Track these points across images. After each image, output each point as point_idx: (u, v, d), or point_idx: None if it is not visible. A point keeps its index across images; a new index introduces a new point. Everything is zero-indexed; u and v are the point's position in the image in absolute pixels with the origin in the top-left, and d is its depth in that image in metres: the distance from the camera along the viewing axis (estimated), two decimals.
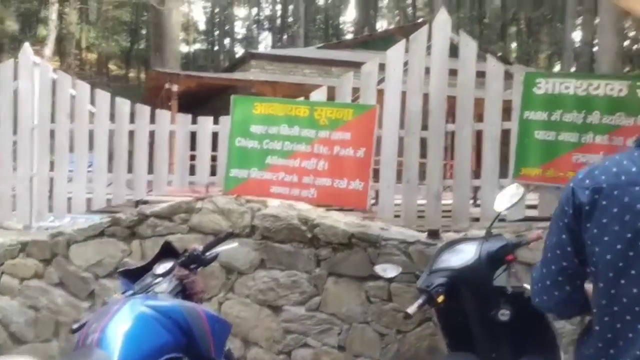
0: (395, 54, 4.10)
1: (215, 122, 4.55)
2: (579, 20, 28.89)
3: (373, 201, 4.42)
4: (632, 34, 27.77)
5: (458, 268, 2.52)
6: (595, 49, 27.01)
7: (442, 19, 3.95)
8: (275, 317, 4.04)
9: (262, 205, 4.22)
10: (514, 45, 37.01)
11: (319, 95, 4.27)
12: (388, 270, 2.82)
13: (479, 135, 4.02)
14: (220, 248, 2.67)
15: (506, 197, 2.88)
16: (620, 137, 3.38)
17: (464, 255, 2.61)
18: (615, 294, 1.31)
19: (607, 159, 1.40)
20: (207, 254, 2.61)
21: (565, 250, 1.41)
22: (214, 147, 4.51)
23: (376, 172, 4.14)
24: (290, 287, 4.06)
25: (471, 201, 4.71)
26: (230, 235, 2.72)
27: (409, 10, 40.70)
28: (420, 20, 27.96)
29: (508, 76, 4.14)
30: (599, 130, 3.44)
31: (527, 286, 2.71)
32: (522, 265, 3.56)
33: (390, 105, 4.09)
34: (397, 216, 4.11)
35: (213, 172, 4.53)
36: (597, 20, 25.10)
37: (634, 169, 1.31)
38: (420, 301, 2.37)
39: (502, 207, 2.86)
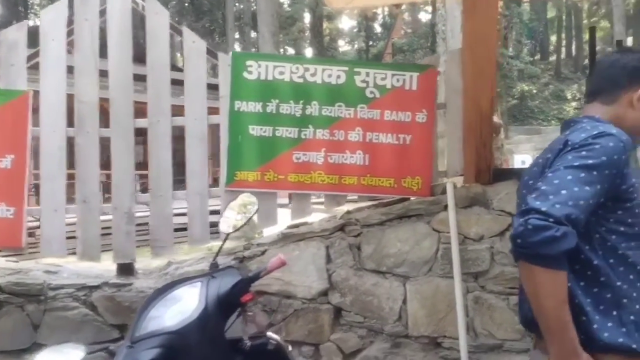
0: (53, 18, 2.85)
1: None
2: (237, 35, 30.99)
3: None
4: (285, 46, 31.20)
5: (176, 329, 1.75)
6: None
7: None
8: None
9: None
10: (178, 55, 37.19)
11: None
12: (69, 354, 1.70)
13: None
14: None
15: (234, 213, 2.12)
16: (341, 130, 2.97)
17: (184, 305, 1.84)
18: None
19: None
20: None
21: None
22: None
23: (36, 190, 2.84)
24: None
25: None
26: None
27: None
28: None
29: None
30: (319, 123, 2.97)
31: (271, 334, 2.03)
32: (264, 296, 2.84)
33: (50, 92, 2.84)
34: (72, 252, 2.88)
35: None
36: (253, 34, 27.44)
37: None
38: None
39: (231, 226, 2.10)
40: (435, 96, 3.01)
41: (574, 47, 34.58)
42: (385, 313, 2.88)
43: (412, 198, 2.97)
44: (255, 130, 2.94)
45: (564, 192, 1.24)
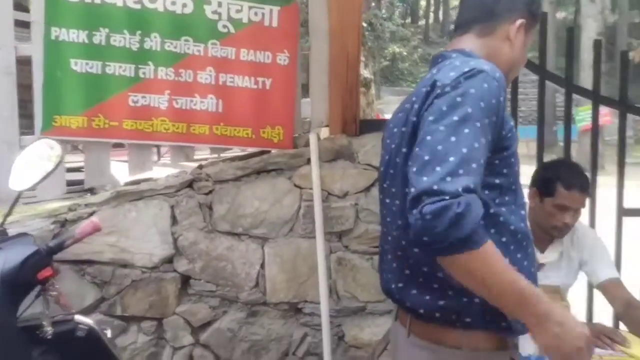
0: None
1: None
2: None
3: None
4: None
5: None
6: None
7: None
8: None
9: None
10: None
11: None
12: None
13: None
14: None
15: (29, 166, 1.65)
16: (189, 70, 2.52)
17: None
18: None
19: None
20: None
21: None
22: None
23: None
24: None
25: None
26: None
27: None
28: None
29: None
30: (161, 60, 2.49)
31: (81, 317, 1.63)
32: (76, 267, 2.36)
33: None
34: None
35: None
36: None
37: None
38: None
39: (25, 183, 1.62)
40: (299, 35, 2.66)
41: (441, 12, 36.26)
42: (240, 279, 2.56)
43: (272, 151, 2.64)
44: (79, 65, 2.39)
45: (452, 159, 1.02)
